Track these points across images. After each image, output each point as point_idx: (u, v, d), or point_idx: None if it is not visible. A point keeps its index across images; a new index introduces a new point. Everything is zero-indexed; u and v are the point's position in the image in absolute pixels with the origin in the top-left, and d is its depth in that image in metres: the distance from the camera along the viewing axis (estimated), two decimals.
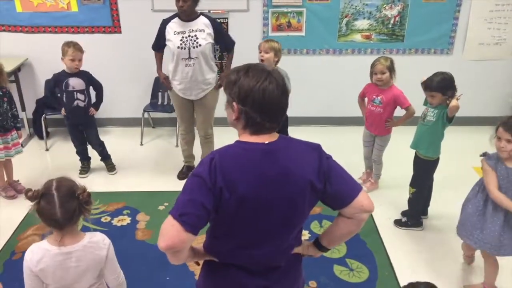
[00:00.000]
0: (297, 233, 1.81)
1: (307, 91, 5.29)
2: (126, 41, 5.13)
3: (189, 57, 3.94)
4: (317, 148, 1.71)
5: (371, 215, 3.84)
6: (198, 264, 1.89)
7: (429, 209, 3.79)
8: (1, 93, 3.87)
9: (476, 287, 3.07)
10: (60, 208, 1.90)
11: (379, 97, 3.89)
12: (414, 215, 3.69)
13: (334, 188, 1.67)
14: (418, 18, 5.05)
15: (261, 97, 1.58)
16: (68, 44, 4.01)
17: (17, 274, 3.24)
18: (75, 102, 4.16)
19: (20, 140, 4.11)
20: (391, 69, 3.80)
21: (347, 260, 3.38)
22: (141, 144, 5.15)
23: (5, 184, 4.15)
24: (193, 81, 4.03)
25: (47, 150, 5.06)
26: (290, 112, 4.21)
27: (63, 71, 4.10)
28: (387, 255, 3.43)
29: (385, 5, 5.00)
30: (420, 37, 5.14)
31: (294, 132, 4.88)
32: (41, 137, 5.16)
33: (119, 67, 5.22)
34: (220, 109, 4.47)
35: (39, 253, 2.00)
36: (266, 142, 1.64)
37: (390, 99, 3.84)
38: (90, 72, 4.22)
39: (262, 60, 3.89)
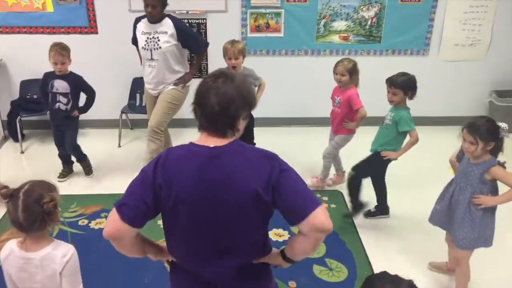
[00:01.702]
0: (253, 244, 1.75)
1: (286, 92, 5.30)
2: (103, 41, 5.07)
3: (151, 58, 4.02)
4: (271, 157, 1.66)
5: (354, 214, 3.87)
6: (168, 263, 1.91)
7: (407, 208, 3.83)
8: None
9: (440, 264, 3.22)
10: (22, 212, 1.88)
11: (338, 98, 3.97)
12: (380, 204, 3.79)
13: (284, 202, 1.60)
14: (394, 20, 5.11)
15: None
16: (52, 47, 3.93)
17: None
18: (56, 104, 4.09)
19: None
20: (352, 71, 3.83)
21: (327, 259, 3.39)
22: (119, 146, 5.10)
23: None
24: (155, 82, 4.13)
25: (22, 152, 4.96)
26: (270, 113, 4.27)
27: (53, 71, 4.02)
28: (365, 255, 3.46)
29: (362, 7, 5.05)
30: (397, 38, 5.20)
31: (272, 132, 4.93)
32: (16, 140, 5.06)
33: (96, 68, 5.15)
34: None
35: (7, 251, 2.00)
36: (212, 145, 1.64)
37: (346, 99, 3.90)
38: (82, 77, 4.12)
39: (233, 67, 3.88)
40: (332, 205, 4.05)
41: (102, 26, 5.02)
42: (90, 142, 5.13)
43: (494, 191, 2.79)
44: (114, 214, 1.61)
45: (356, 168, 3.68)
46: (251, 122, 4.16)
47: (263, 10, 5.01)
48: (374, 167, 3.67)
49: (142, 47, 4.02)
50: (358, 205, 3.77)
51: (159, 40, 3.97)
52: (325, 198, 4.15)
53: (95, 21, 4.98)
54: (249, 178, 1.59)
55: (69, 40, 4.95)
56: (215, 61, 4.65)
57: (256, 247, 1.77)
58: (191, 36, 4.24)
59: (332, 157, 4.22)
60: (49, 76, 4.05)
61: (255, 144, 4.17)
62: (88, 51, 5.08)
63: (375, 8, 5.05)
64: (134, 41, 4.23)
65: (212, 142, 1.65)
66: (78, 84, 4.10)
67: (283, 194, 1.60)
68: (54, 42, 3.99)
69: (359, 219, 3.83)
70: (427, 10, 5.12)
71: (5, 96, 5.16)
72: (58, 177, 4.37)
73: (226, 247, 1.70)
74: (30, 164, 4.81)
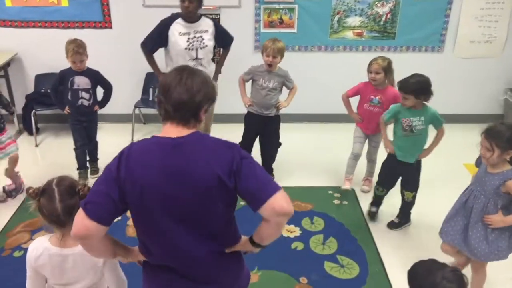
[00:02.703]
0: (221, 232, 1.78)
1: (299, 88, 5.27)
2: (117, 36, 5.09)
3: (196, 58, 4.02)
4: (232, 146, 1.72)
5: (362, 213, 3.87)
6: (140, 263, 1.92)
7: (421, 207, 3.79)
8: None
9: None
10: (60, 203, 1.90)
11: (377, 97, 3.86)
12: (406, 213, 3.71)
13: (245, 188, 1.65)
14: (409, 16, 5.06)
15: (163, 82, 1.72)
16: (69, 45, 3.89)
17: (5, 270, 3.25)
18: (80, 101, 4.08)
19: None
20: (387, 70, 3.77)
21: (338, 256, 3.39)
22: (132, 140, 5.13)
23: None
24: None
25: (36, 146, 5.02)
26: (282, 109, 4.25)
27: (70, 68, 3.99)
28: (377, 252, 3.45)
29: (376, 3, 5.00)
30: (411, 34, 5.15)
31: (286, 129, 4.91)
32: (30, 133, 5.11)
33: (110, 63, 5.17)
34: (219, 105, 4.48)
35: (39, 250, 1.99)
36: (174, 136, 1.68)
37: (390, 99, 3.80)
38: (99, 72, 4.12)
39: (269, 65, 3.88)
40: (344, 202, 4.04)
41: (116, 21, 5.03)
42: (103, 136, 5.14)
43: (510, 205, 2.67)
44: (80, 213, 1.61)
45: (413, 189, 3.55)
46: (278, 122, 4.15)
47: (276, 6, 4.99)
48: (418, 177, 3.55)
49: (186, 48, 3.96)
50: (408, 216, 3.75)
51: (203, 39, 4.00)
52: (337, 195, 4.13)
53: (109, 15, 5.00)
54: (211, 164, 1.65)
55: (83, 35, 4.99)
56: (228, 57, 4.66)
57: (225, 235, 1.81)
58: (226, 33, 4.30)
59: (376, 157, 4.14)
60: (68, 73, 4.01)
61: (280, 144, 4.17)
62: (102, 46, 5.10)
63: (389, 4, 5.01)
64: (152, 47, 4.11)
65: (175, 133, 1.70)
66: (97, 79, 4.11)
67: (244, 180, 1.65)
68: (70, 39, 3.95)
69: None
70: (443, 6, 5.06)
71: (20, 90, 5.21)
72: (91, 174, 4.38)
73: (196, 234, 1.72)
74: (45, 157, 4.86)
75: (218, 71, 4.37)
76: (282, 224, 1.70)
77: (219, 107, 4.22)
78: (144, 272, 1.90)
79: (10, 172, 4.11)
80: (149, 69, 4.39)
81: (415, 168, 3.52)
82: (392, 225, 3.72)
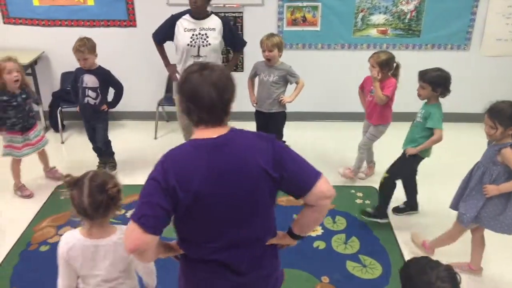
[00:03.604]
0: (267, 224, 1.82)
1: (321, 86, 5.26)
2: (141, 34, 5.12)
3: (198, 55, 3.98)
4: (270, 138, 1.74)
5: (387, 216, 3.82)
6: (177, 258, 1.93)
7: (442, 206, 3.73)
8: (24, 96, 3.86)
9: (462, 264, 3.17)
10: (88, 198, 1.93)
11: (373, 88, 3.93)
12: (383, 204, 3.69)
13: (290, 176, 1.69)
14: (435, 13, 4.99)
15: (187, 87, 1.66)
16: (75, 43, 3.95)
17: (32, 264, 3.32)
18: (86, 99, 4.13)
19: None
20: (382, 65, 3.75)
21: (360, 256, 3.37)
22: (155, 138, 5.18)
23: (21, 183, 4.14)
24: None
25: (62, 143, 5.11)
26: (304, 107, 4.25)
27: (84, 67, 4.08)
28: (400, 252, 3.41)
29: (401, 0, 4.94)
30: (437, 32, 5.08)
31: (307, 127, 4.91)
32: (57, 130, 5.21)
33: (134, 61, 5.25)
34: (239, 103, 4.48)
35: (71, 242, 2.04)
36: (215, 136, 1.67)
37: (382, 88, 3.83)
38: (109, 71, 4.14)
39: (268, 59, 3.92)
40: (367, 201, 4.01)
41: (140, 19, 5.09)
42: (127, 133, 5.25)
43: (507, 175, 2.79)
44: (134, 227, 1.59)
45: (389, 171, 3.59)
46: (282, 122, 4.16)
47: (300, 4, 4.98)
48: (405, 166, 3.58)
49: (188, 44, 3.95)
50: (414, 204, 3.80)
51: (207, 37, 3.95)
52: (360, 194, 4.11)
53: (133, 14, 5.06)
54: (256, 158, 1.67)
55: (108, 33, 5.10)
56: (250, 55, 4.66)
57: (269, 226, 1.85)
58: (236, 34, 4.28)
59: (366, 148, 4.20)
60: (79, 71, 4.09)
61: (284, 142, 4.12)
62: (126, 44, 5.17)
63: (415, 1, 4.94)
64: (160, 39, 4.17)
65: (212, 133, 1.68)
66: (106, 78, 4.12)
67: (289, 169, 1.69)
68: (79, 37, 3.99)
69: (393, 215, 3.79)
70: (469, 3, 4.97)
71: (46, 87, 5.31)
72: (110, 169, 4.43)
73: (247, 231, 1.75)
74: (70, 154, 4.95)
75: None
76: (327, 208, 1.76)
77: (238, 105, 4.25)
78: (183, 266, 1.91)
79: (46, 169, 4.27)
80: None
81: (402, 156, 3.55)
82: (395, 210, 3.82)
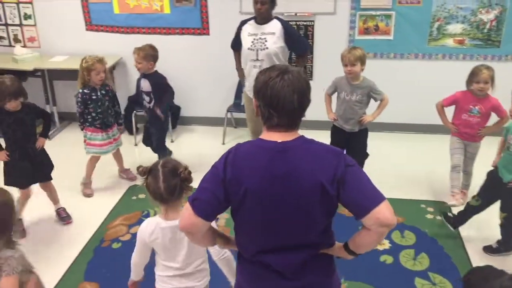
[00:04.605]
0: (319, 233, 1.78)
1: (393, 97, 5.11)
2: (214, 42, 5.26)
3: (257, 59, 4.05)
4: (338, 153, 1.69)
5: (457, 229, 3.67)
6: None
7: None
8: (104, 92, 4.08)
9: None
10: (163, 183, 2.09)
11: (477, 107, 3.69)
12: (507, 240, 3.44)
13: (349, 196, 1.64)
14: None
15: (268, 92, 1.65)
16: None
17: (105, 260, 3.47)
18: (143, 102, 4.36)
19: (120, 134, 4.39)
20: (493, 79, 3.59)
21: (430, 273, 3.24)
22: (223, 143, 5.26)
23: (89, 180, 4.33)
24: None
25: (136, 145, 5.32)
26: (377, 118, 4.16)
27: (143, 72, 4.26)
28: None
29: (481, 9, 4.74)
30: None
31: (377, 138, 4.80)
32: (131, 133, 5.43)
33: (206, 68, 5.37)
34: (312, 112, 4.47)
35: (152, 226, 2.19)
36: (279, 140, 1.68)
37: (489, 108, 3.65)
38: (163, 77, 4.25)
39: (349, 73, 3.72)
40: (438, 217, 3.85)
41: (213, 27, 5.21)
42: (196, 138, 5.38)
43: None
44: (188, 208, 1.69)
45: (504, 208, 3.32)
46: (365, 139, 3.99)
47: (373, 12, 4.90)
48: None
49: (248, 48, 4.07)
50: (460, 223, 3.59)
51: (266, 41, 4.02)
52: (430, 209, 3.96)
53: (207, 22, 5.19)
54: (315, 171, 1.64)
55: (182, 41, 5.27)
56: (321, 64, 4.65)
57: (321, 239, 1.81)
58: (298, 38, 4.27)
59: (472, 169, 3.96)
60: (140, 76, 4.31)
61: (368, 155, 4.01)
62: (199, 51, 5.31)
63: (495, 10, 4.72)
64: (235, 44, 4.33)
65: (280, 137, 1.69)
66: (158, 83, 4.24)
67: (348, 189, 1.63)
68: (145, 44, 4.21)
69: (466, 232, 3.62)
70: None
71: (123, 91, 5.54)
72: None
73: (293, 238, 1.75)
74: (142, 155, 5.12)
75: None
76: (384, 235, 1.67)
77: (311, 114, 4.23)
78: (238, 263, 1.95)
79: (121, 169, 4.50)
80: None
81: (509, 191, 3.26)
82: (487, 249, 3.48)
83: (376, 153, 4.13)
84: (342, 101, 3.84)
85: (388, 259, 3.39)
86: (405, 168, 4.61)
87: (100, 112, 4.08)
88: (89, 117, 4.08)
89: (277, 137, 1.69)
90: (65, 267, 3.38)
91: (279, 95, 1.64)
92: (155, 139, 4.51)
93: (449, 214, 3.61)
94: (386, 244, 3.53)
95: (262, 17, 4.02)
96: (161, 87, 4.28)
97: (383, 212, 1.59)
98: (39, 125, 3.80)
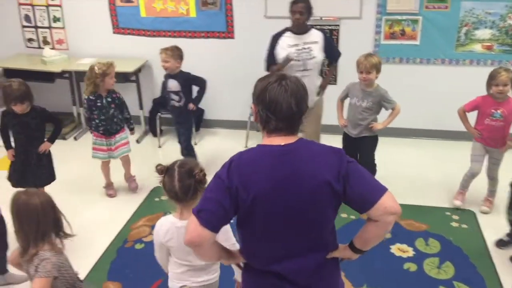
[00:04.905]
0: (327, 236, 1.79)
1: (419, 102, 5.07)
2: (238, 46, 5.28)
3: (305, 69, 4.01)
4: (338, 151, 1.74)
5: (483, 238, 3.61)
6: (240, 266, 1.97)
7: None
8: (110, 99, 4.08)
9: None
10: (178, 182, 2.12)
11: (499, 111, 3.64)
12: None
13: (355, 190, 1.67)
14: None
15: (267, 96, 1.68)
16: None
17: (128, 261, 3.51)
18: (171, 102, 4.39)
19: (133, 138, 4.36)
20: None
21: (455, 282, 3.19)
22: (246, 146, 5.27)
23: (110, 181, 4.38)
24: (309, 92, 4.10)
25: (159, 147, 5.37)
26: (400, 123, 4.11)
27: (167, 73, 4.32)
28: (499, 283, 3.18)
29: (510, 14, 4.66)
30: None
31: (401, 144, 4.75)
32: (155, 135, 5.49)
33: (229, 71, 5.39)
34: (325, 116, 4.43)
35: (167, 225, 2.23)
36: (283, 144, 1.70)
37: (511, 111, 3.60)
38: (189, 73, 4.31)
39: (364, 80, 3.71)
40: (463, 225, 3.79)
41: (238, 31, 5.23)
42: (219, 141, 5.40)
43: None
44: (194, 220, 1.65)
45: None
46: (373, 146, 3.96)
47: (399, 17, 4.85)
48: None
49: (294, 59, 3.98)
50: None
51: (312, 50, 4.00)
52: (456, 217, 3.89)
53: (232, 26, 5.21)
54: (320, 169, 1.67)
55: (207, 44, 5.30)
56: (345, 69, 4.61)
57: (329, 240, 1.82)
58: (335, 47, 4.32)
59: (497, 175, 3.89)
60: (166, 77, 4.36)
61: (375, 165, 3.98)
62: (223, 55, 5.33)
63: None
64: (271, 60, 4.13)
65: (283, 140, 1.71)
66: (186, 80, 4.29)
67: (353, 183, 1.67)
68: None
69: (492, 242, 3.55)
70: None
71: (148, 94, 5.61)
72: None
73: (304, 240, 1.74)
74: (165, 158, 5.13)
75: (324, 86, 4.29)
76: (391, 225, 1.71)
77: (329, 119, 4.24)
78: (244, 275, 1.94)
79: (127, 175, 4.43)
80: None
81: None
82: (499, 244, 3.50)
83: (402, 159, 4.10)
84: (352, 107, 3.87)
85: (412, 266, 3.35)
86: (428, 174, 4.54)
87: (104, 119, 4.09)
88: (93, 122, 4.12)
89: (280, 140, 1.71)
90: (89, 266, 3.42)
91: (277, 99, 1.68)
92: (184, 139, 4.56)
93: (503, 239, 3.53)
94: (409, 252, 3.48)
95: (301, 27, 4.00)
96: (193, 81, 4.35)
97: (389, 201, 1.65)
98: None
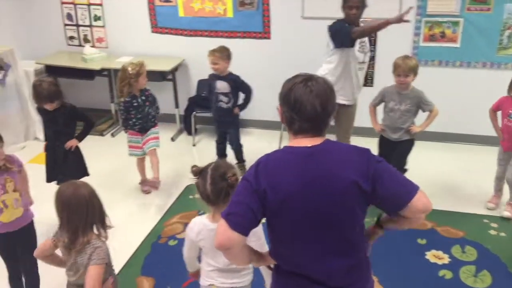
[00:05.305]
0: (356, 236, 1.77)
1: (457, 106, 4.96)
2: (274, 46, 5.28)
3: (363, 61, 4.07)
4: (365, 151, 1.73)
5: None
6: (270, 268, 1.96)
7: None
8: (144, 98, 4.14)
9: None
10: (210, 185, 2.13)
11: None
12: None
13: (387, 190, 1.66)
14: None
15: (292, 97, 1.68)
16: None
17: (161, 256, 3.56)
18: (218, 103, 4.41)
19: (168, 136, 4.40)
20: None
21: None
22: (279, 147, 5.24)
23: (145, 178, 4.44)
24: (360, 86, 4.17)
25: (194, 145, 5.42)
26: (437, 126, 4.03)
27: (215, 73, 4.34)
28: None
29: None
30: None
31: (435, 148, 4.63)
32: (189, 133, 5.55)
33: (265, 71, 5.39)
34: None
35: (199, 226, 2.26)
36: (309, 145, 1.69)
37: None
38: (239, 76, 4.37)
39: (401, 83, 3.67)
40: (502, 234, 3.69)
41: (274, 31, 5.23)
42: (253, 141, 5.40)
43: None
44: (223, 224, 1.66)
45: None
46: (409, 149, 3.87)
47: (439, 19, 4.76)
48: None
49: (358, 50, 3.99)
50: None
51: (367, 44, 4.09)
52: (494, 225, 3.79)
53: (269, 26, 5.22)
54: (348, 170, 1.66)
55: (244, 44, 5.32)
56: (382, 71, 4.56)
57: (359, 241, 1.80)
58: None
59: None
60: (213, 78, 4.38)
61: (406, 170, 3.85)
62: (259, 55, 5.34)
63: None
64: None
65: (309, 142, 1.70)
66: (235, 83, 4.34)
67: (385, 183, 1.66)
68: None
69: None
70: None
71: (184, 92, 5.68)
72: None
73: (335, 241, 1.73)
74: (200, 156, 5.23)
75: (363, 84, 4.27)
76: (422, 219, 1.75)
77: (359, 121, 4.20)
78: (274, 276, 1.93)
79: (155, 173, 4.28)
80: None
81: None
82: None
83: (436, 164, 4.02)
84: (390, 110, 3.80)
85: (447, 274, 3.28)
86: (465, 180, 4.44)
87: (140, 117, 4.16)
88: (130, 122, 4.19)
89: (306, 142, 1.71)
90: (124, 260, 3.49)
91: (302, 100, 1.67)
92: (236, 139, 4.63)
93: None
94: (445, 259, 3.41)
95: (357, 22, 3.98)
96: (241, 86, 4.41)
97: (422, 200, 1.65)
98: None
